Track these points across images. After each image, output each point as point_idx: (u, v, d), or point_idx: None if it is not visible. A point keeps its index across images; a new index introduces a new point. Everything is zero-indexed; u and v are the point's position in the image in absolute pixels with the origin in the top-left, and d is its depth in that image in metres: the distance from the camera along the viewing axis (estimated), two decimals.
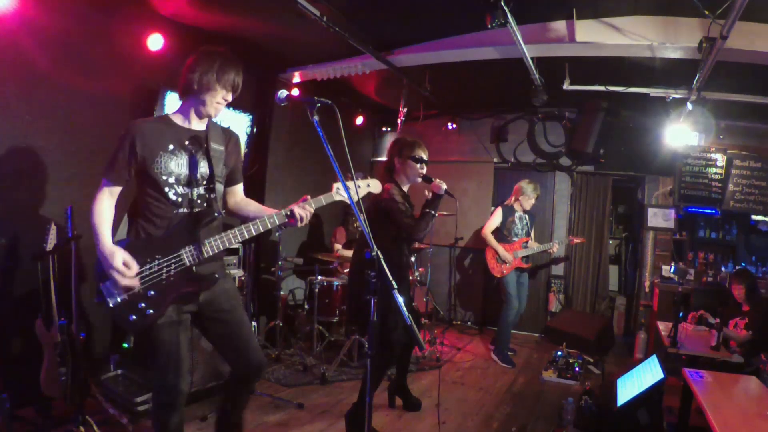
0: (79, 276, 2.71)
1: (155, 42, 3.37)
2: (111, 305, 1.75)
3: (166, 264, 1.82)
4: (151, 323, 1.79)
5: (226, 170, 2.03)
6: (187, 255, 1.85)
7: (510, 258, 4.63)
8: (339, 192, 2.02)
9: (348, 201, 1.87)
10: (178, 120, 1.95)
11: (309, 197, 2.00)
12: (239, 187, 2.17)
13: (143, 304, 1.77)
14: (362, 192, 2.09)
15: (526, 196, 4.70)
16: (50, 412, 2.65)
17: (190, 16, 3.52)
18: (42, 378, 2.52)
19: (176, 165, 1.86)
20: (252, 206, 2.14)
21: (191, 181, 1.90)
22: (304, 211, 1.96)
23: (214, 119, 2.00)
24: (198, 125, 1.97)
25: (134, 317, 1.76)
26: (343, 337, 4.36)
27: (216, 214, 1.93)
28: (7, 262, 2.76)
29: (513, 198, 4.79)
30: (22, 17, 2.71)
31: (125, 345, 1.80)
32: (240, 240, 1.91)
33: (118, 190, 1.87)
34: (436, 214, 2.84)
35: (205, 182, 1.95)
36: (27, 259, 2.73)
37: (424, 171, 2.94)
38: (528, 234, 4.79)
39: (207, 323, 1.99)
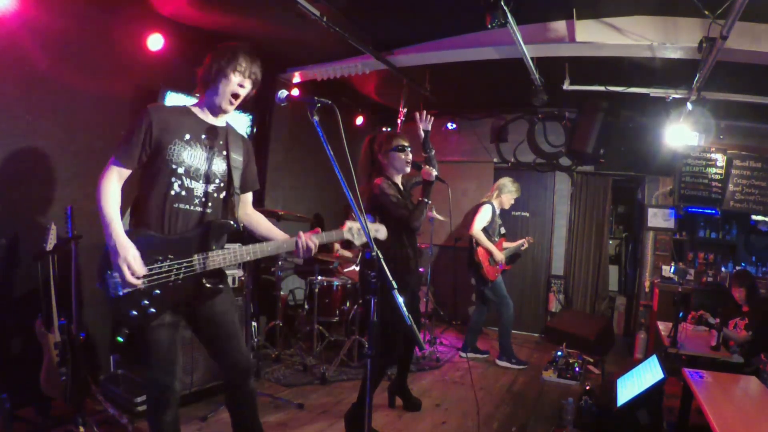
0: (78, 276, 2.71)
1: (155, 42, 3.37)
2: (112, 296, 1.70)
3: (176, 266, 1.77)
4: (151, 321, 1.77)
5: (240, 175, 2.00)
6: (198, 262, 1.81)
7: (502, 258, 4.48)
8: (351, 231, 2.03)
9: (355, 242, 2.00)
10: (198, 112, 1.92)
11: (320, 230, 1.99)
12: (249, 196, 2.14)
13: (146, 302, 1.73)
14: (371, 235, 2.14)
15: (510, 194, 4.58)
16: (50, 412, 2.64)
17: (190, 16, 3.52)
18: (42, 378, 2.52)
19: (189, 156, 1.83)
20: (263, 225, 2.11)
21: (201, 176, 1.87)
22: (311, 242, 1.94)
23: (228, 114, 1.96)
24: (217, 121, 1.95)
25: (135, 313, 1.72)
26: (343, 337, 4.36)
27: (234, 226, 1.91)
28: (7, 262, 2.76)
29: (494, 194, 4.61)
30: (22, 17, 2.71)
31: (120, 339, 1.75)
32: (251, 258, 1.90)
33: (127, 173, 1.79)
34: (430, 201, 2.85)
35: (217, 180, 1.91)
36: (27, 259, 2.73)
37: (410, 158, 2.95)
38: (503, 234, 4.71)
39: (199, 324, 1.97)
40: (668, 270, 5.24)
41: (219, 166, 1.92)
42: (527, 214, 6.12)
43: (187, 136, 1.83)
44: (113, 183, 1.75)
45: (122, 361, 3.30)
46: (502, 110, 6.19)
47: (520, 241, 4.81)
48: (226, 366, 2.03)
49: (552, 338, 5.35)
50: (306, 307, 4.42)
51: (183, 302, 1.84)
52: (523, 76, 4.06)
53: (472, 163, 6.32)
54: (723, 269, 5.24)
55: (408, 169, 2.95)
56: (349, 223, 2.03)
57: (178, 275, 1.77)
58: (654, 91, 4.23)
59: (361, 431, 2.69)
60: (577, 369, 4.24)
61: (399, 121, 5.28)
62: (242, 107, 4.21)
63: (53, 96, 2.95)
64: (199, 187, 1.86)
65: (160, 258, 1.75)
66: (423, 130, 3.02)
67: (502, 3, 2.67)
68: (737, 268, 5.05)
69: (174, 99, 3.42)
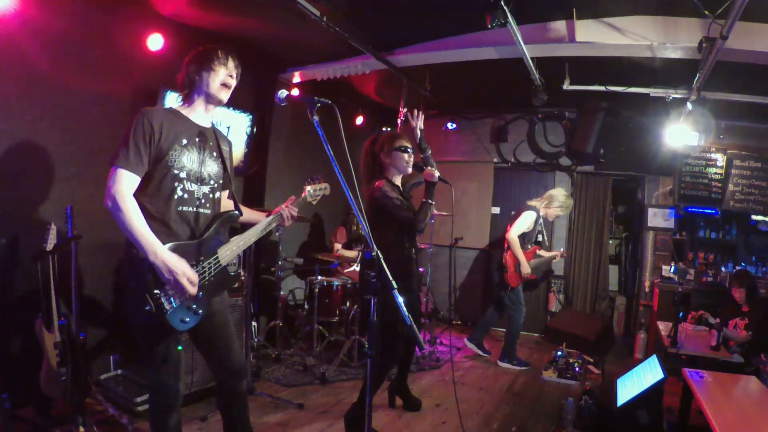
0: (79, 276, 2.71)
1: (155, 42, 3.37)
2: (168, 310, 1.71)
3: (208, 265, 1.85)
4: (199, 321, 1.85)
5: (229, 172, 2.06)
6: (222, 255, 1.90)
7: (528, 272, 4.34)
8: (309, 193, 2.25)
9: (313, 201, 2.29)
10: (188, 113, 1.93)
11: (294, 197, 2.17)
12: (226, 193, 2.16)
13: (195, 306, 1.80)
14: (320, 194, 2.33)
15: (558, 209, 4.43)
16: (50, 412, 2.64)
17: (190, 16, 3.52)
18: (42, 378, 2.52)
19: (188, 160, 1.85)
20: (243, 211, 2.15)
21: (199, 179, 1.89)
22: (292, 211, 2.13)
23: (223, 104, 1.99)
24: (204, 122, 1.96)
25: (188, 319, 1.78)
26: (343, 337, 4.36)
27: (240, 214, 2.03)
28: (7, 262, 2.76)
29: (543, 203, 4.46)
30: (22, 17, 2.71)
31: (180, 348, 1.86)
32: (255, 239, 2.03)
33: (137, 182, 1.73)
34: (433, 202, 2.85)
35: (212, 181, 1.94)
36: (27, 259, 2.73)
37: (413, 159, 2.95)
38: (539, 242, 4.64)
39: (198, 326, 1.96)
40: (668, 270, 5.24)
41: (212, 167, 1.95)
42: None
43: (185, 141, 1.85)
44: (130, 195, 1.70)
45: (122, 361, 3.30)
46: (502, 110, 6.18)
47: (553, 253, 4.72)
48: (221, 368, 2.05)
49: (552, 338, 5.35)
50: (306, 307, 4.42)
51: (217, 294, 1.94)
52: (523, 76, 4.06)
53: (472, 163, 6.31)
54: (723, 269, 5.24)
55: (410, 170, 2.94)
56: (308, 188, 2.26)
57: (211, 273, 1.86)
58: (654, 91, 4.23)
59: (361, 431, 2.69)
60: (577, 369, 4.24)
61: (399, 121, 5.28)
62: (242, 107, 4.26)
63: (53, 96, 2.95)
64: (197, 189, 1.88)
65: (194, 263, 1.80)
66: (418, 129, 3.03)
67: (502, 3, 2.67)
68: (737, 268, 5.06)
69: (174, 99, 3.42)
